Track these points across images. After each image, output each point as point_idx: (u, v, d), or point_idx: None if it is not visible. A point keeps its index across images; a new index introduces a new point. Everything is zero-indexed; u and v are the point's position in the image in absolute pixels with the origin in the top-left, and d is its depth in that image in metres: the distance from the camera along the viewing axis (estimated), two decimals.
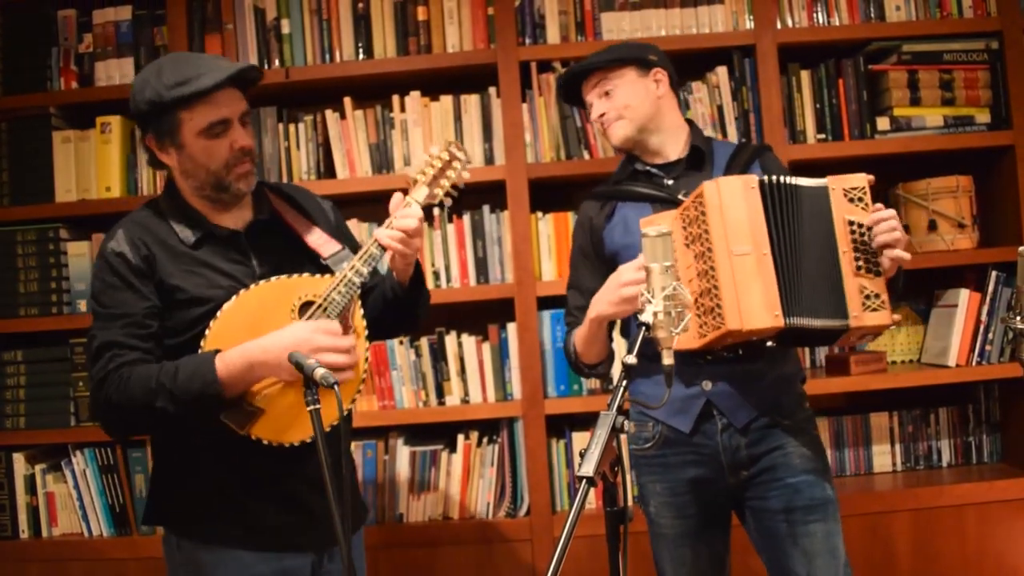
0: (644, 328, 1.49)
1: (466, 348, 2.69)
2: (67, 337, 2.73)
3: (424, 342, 2.69)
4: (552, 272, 2.69)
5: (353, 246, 1.89)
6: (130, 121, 2.76)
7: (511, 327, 2.68)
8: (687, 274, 1.77)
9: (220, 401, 1.60)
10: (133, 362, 1.64)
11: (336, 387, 1.41)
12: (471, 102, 2.70)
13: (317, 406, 1.46)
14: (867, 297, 1.74)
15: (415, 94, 2.70)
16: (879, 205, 1.76)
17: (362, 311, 1.77)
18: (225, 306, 1.67)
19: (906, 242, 1.76)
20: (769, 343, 1.81)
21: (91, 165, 2.73)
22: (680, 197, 1.89)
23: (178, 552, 1.75)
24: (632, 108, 1.95)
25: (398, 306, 1.88)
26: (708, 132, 2.67)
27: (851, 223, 1.75)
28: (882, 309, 1.74)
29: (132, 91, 1.71)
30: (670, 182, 1.96)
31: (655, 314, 1.51)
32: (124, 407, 1.62)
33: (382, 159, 2.71)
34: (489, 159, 2.70)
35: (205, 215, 1.76)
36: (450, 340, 2.69)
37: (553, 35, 2.68)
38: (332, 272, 1.76)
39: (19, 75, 2.75)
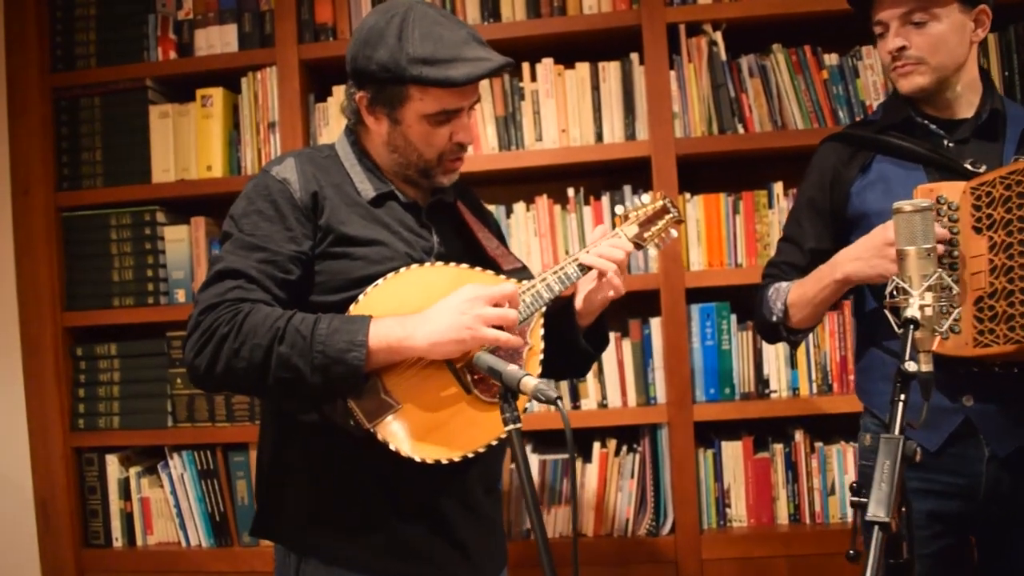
0: (911, 326, 1.20)
1: None
2: (164, 330, 2.52)
3: None
4: (702, 261, 2.39)
5: None
6: (232, 94, 2.52)
7: (655, 322, 2.40)
8: (972, 265, 1.46)
9: (357, 373, 1.32)
10: (258, 302, 1.37)
11: (559, 403, 1.13)
12: (610, 70, 2.41)
13: (518, 425, 1.18)
14: None
15: (547, 61, 2.42)
16: None
17: (542, 330, 1.51)
18: (390, 275, 1.41)
19: None
20: None
21: (191, 142, 2.51)
22: (968, 167, 1.56)
23: None
24: (942, 53, 1.58)
25: (564, 350, 1.61)
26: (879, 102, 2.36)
27: None
28: None
29: (359, 38, 1.46)
30: (951, 144, 1.63)
31: (922, 308, 1.22)
32: (231, 341, 1.32)
33: (511, 135, 2.44)
34: (631, 134, 2.41)
35: (390, 178, 1.53)
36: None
37: None
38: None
39: (114, 45, 2.53)
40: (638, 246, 1.62)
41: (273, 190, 1.44)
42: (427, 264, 1.45)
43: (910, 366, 1.15)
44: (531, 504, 1.16)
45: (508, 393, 1.20)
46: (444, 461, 1.39)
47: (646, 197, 1.68)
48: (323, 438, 1.43)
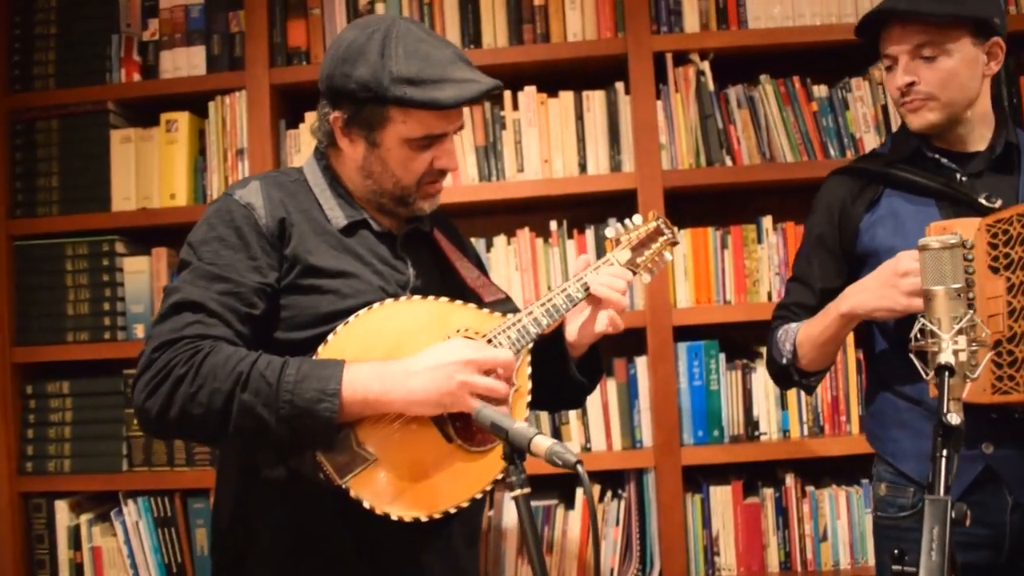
0: (946, 373, 1.12)
1: None
2: (121, 367, 2.37)
3: None
4: (689, 298, 2.30)
5: None
6: (199, 118, 2.41)
7: (640, 362, 2.30)
8: (988, 306, 1.38)
9: (329, 426, 1.20)
10: (219, 339, 1.25)
11: (581, 467, 1.01)
12: (595, 99, 2.33)
13: (526, 490, 1.06)
14: None
15: (530, 89, 2.34)
16: None
17: (530, 369, 1.40)
18: (363, 312, 1.30)
19: None
20: None
21: (154, 169, 2.38)
22: (983, 201, 1.49)
23: None
24: (952, 89, 1.51)
25: (556, 382, 1.51)
26: (870, 137, 2.31)
27: None
28: None
29: (336, 54, 1.35)
30: (964, 178, 1.56)
31: (955, 353, 1.14)
32: (188, 384, 1.20)
33: (491, 165, 2.34)
34: (616, 165, 2.32)
35: (363, 205, 1.42)
36: None
37: (692, 23, 2.30)
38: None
39: (74, 65, 2.40)
40: (631, 272, 1.52)
41: (236, 215, 1.32)
42: (403, 298, 1.34)
43: (952, 419, 1.06)
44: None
45: (515, 454, 1.06)
46: (424, 519, 1.27)
47: (638, 218, 1.58)
48: (291, 493, 1.31)
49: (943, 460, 1.05)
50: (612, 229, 1.55)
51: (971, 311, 1.18)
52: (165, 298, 1.29)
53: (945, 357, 1.12)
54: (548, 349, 1.49)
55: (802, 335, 1.59)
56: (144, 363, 1.24)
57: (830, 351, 1.59)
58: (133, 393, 1.25)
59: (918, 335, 1.21)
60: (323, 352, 1.27)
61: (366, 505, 1.24)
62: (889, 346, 1.59)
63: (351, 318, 1.29)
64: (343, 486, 1.23)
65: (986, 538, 1.48)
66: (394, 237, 1.44)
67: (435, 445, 1.30)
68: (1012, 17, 2.31)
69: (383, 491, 1.25)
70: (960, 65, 1.50)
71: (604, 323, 1.46)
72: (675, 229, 1.60)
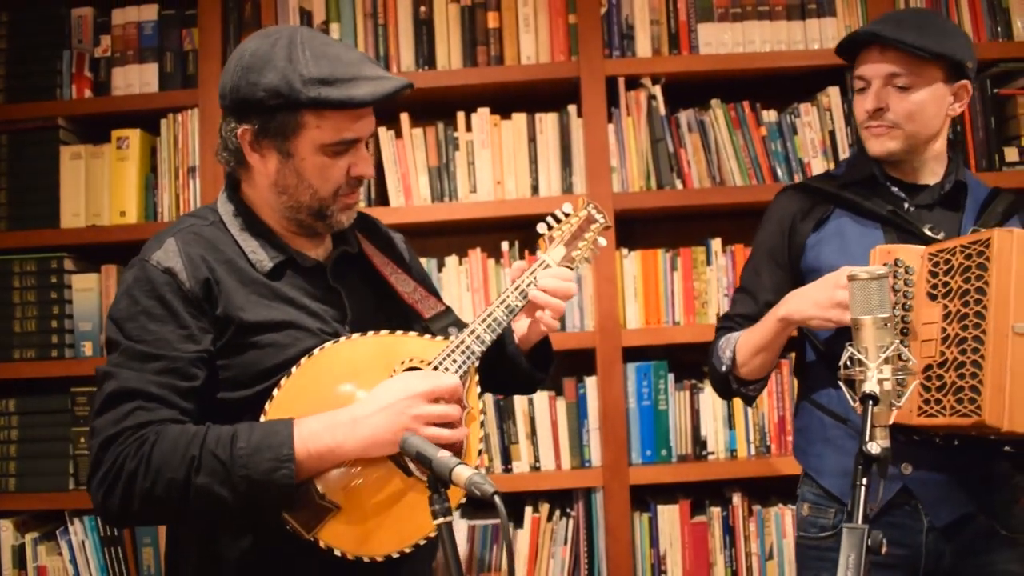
0: (870, 402, 1.14)
1: (537, 406, 2.31)
2: (68, 385, 2.35)
3: (488, 398, 2.31)
4: (638, 318, 2.33)
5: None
6: (151, 136, 2.39)
7: (590, 382, 2.32)
8: (923, 331, 1.41)
9: (289, 492, 1.20)
10: (163, 422, 1.22)
11: (498, 497, 1.02)
12: (548, 121, 2.36)
13: (449, 518, 1.07)
14: None
15: (483, 111, 2.36)
16: None
17: (478, 388, 1.39)
18: (304, 361, 1.28)
19: None
20: (1007, 448, 1.46)
21: (104, 186, 2.37)
22: (927, 232, 1.53)
23: None
24: (917, 122, 1.55)
25: (508, 372, 1.52)
26: (818, 161, 2.35)
27: None
28: None
29: (239, 64, 1.30)
30: (911, 209, 1.60)
31: (880, 382, 1.17)
32: (142, 479, 1.18)
33: (444, 185, 2.36)
34: (568, 187, 2.35)
35: (282, 237, 1.38)
36: (519, 396, 2.31)
37: (644, 47, 2.34)
38: (432, 335, 1.41)
39: (25, 81, 2.38)
40: (568, 269, 1.49)
41: (157, 283, 1.27)
42: (343, 339, 1.32)
43: (872, 448, 1.08)
44: None
45: (438, 483, 1.08)
46: (395, 555, 1.27)
47: (567, 206, 1.53)
48: (259, 547, 1.29)
49: (862, 489, 1.07)
50: (543, 225, 1.51)
51: (897, 341, 1.21)
52: (100, 384, 1.26)
53: (870, 386, 1.15)
54: (499, 347, 1.50)
55: (741, 341, 1.62)
56: (94, 460, 1.22)
57: (768, 359, 1.60)
58: (90, 492, 1.23)
59: (848, 363, 1.24)
60: (270, 410, 1.26)
61: (337, 553, 1.24)
62: (817, 360, 1.63)
63: (293, 369, 1.28)
64: (312, 539, 1.24)
65: (902, 559, 1.51)
66: (323, 268, 1.41)
67: (395, 482, 1.29)
68: None
69: (352, 537, 1.26)
70: (929, 100, 1.54)
71: (551, 324, 1.47)
72: (606, 213, 1.56)
